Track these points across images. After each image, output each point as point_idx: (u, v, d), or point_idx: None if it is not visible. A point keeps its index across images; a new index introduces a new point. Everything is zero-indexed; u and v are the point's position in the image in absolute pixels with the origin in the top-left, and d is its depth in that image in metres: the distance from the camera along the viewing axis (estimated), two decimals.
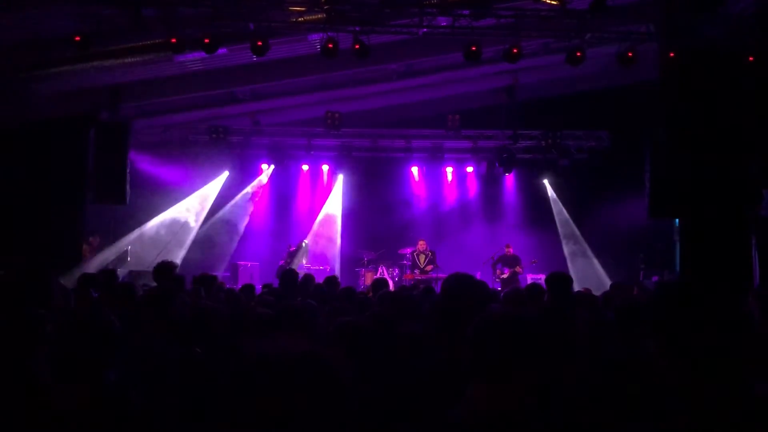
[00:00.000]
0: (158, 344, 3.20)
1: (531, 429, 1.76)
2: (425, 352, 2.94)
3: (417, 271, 13.32)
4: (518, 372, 1.80)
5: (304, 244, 14.47)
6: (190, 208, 15.07)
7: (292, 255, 14.13)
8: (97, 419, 2.18)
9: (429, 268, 13.20)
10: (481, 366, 1.84)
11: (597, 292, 7.41)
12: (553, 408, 1.76)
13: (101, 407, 2.21)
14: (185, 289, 5.52)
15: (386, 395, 2.51)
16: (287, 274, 5.89)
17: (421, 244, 13.48)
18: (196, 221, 15.12)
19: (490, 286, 12.16)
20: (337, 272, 14.95)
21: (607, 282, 12.88)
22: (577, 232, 15.28)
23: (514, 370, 1.80)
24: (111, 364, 2.35)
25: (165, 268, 4.70)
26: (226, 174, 15.51)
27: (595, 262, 14.71)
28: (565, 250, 15.25)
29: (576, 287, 7.02)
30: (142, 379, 2.64)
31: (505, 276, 13.25)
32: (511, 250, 13.62)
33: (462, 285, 2.61)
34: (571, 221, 15.40)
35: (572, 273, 14.27)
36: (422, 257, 13.36)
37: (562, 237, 15.35)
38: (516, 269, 13.35)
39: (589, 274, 14.45)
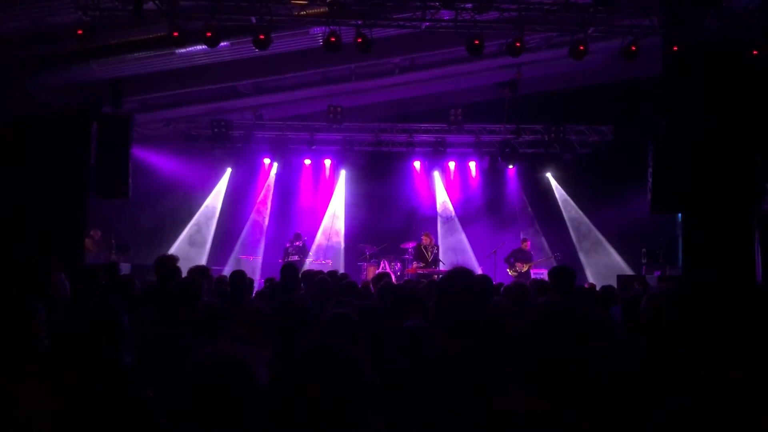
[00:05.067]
0: (184, 338, 3.18)
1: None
2: (424, 347, 2.93)
3: (421, 263, 13.20)
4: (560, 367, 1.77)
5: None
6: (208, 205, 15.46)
7: (301, 250, 14.05)
8: (112, 411, 2.17)
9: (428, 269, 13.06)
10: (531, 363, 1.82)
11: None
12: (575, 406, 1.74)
13: (116, 398, 2.20)
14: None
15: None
16: (287, 268, 5.87)
17: (425, 239, 13.37)
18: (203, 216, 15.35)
19: (501, 280, 12.18)
20: (341, 266, 14.96)
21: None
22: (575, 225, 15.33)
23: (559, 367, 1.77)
24: (121, 352, 2.33)
25: (166, 261, 4.68)
26: (229, 171, 15.55)
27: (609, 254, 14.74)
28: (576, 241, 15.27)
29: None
30: (160, 374, 2.62)
31: (524, 270, 13.25)
32: (528, 244, 13.67)
33: (461, 280, 2.60)
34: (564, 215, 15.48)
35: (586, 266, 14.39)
36: (429, 251, 13.32)
37: (571, 230, 15.36)
38: (532, 262, 13.39)
39: (596, 266, 14.53)
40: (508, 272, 13.22)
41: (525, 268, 13.12)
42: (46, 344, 2.43)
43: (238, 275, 6.06)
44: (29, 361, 2.37)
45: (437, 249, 13.45)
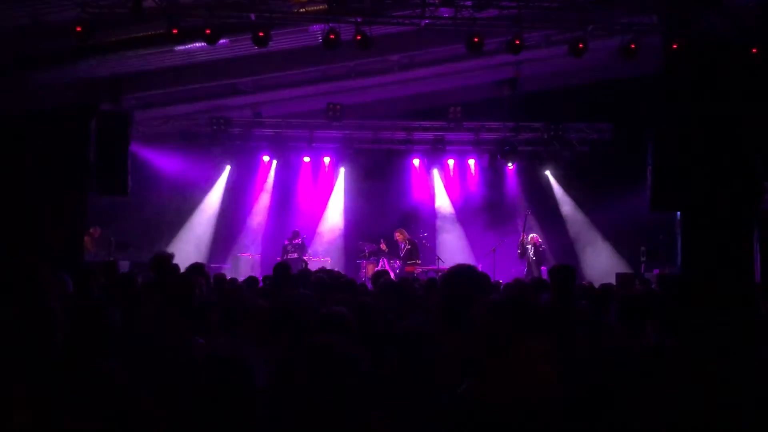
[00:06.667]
0: (180, 335, 3.16)
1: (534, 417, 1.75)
2: (425, 345, 2.92)
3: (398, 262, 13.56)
4: (520, 355, 1.78)
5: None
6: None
7: (300, 248, 14.05)
8: (102, 412, 2.16)
9: (403, 266, 13.20)
10: (485, 348, 1.82)
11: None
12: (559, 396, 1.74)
13: (106, 399, 2.19)
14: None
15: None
16: (279, 267, 5.85)
17: (398, 235, 13.58)
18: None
19: (500, 278, 12.24)
20: (340, 264, 14.95)
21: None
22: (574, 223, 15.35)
23: (515, 353, 1.78)
24: (110, 354, 2.32)
25: (162, 259, 4.67)
26: (228, 168, 15.54)
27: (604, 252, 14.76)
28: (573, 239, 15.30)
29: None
30: (153, 373, 2.60)
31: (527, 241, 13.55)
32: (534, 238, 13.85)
33: (463, 277, 2.60)
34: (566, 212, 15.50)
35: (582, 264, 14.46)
36: (402, 246, 13.64)
37: (569, 228, 15.38)
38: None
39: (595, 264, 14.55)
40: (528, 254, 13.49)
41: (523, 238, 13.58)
42: (61, 347, 2.40)
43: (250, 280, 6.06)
44: (42, 365, 2.35)
45: (410, 244, 13.58)
